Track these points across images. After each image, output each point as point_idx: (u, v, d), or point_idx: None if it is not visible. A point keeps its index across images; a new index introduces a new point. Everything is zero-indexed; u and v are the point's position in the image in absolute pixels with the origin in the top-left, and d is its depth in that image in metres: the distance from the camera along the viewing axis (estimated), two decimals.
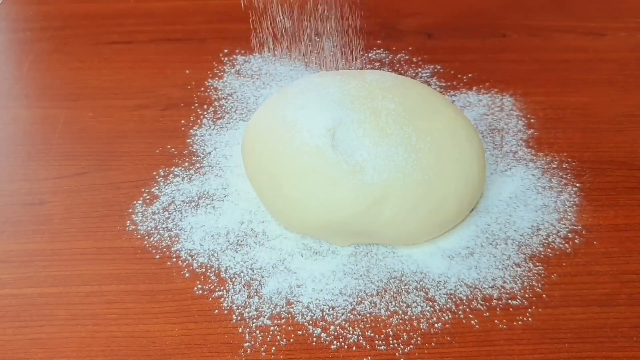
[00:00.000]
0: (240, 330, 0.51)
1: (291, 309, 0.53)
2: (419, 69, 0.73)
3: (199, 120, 0.67)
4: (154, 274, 0.55)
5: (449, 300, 0.53)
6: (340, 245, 0.57)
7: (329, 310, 0.53)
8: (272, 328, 0.52)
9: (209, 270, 0.55)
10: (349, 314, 0.52)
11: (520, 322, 0.52)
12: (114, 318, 0.52)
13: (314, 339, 0.51)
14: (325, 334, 0.51)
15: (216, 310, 0.53)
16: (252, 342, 0.51)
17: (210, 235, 0.58)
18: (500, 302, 0.53)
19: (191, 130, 0.66)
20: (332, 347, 0.51)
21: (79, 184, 0.62)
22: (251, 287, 0.54)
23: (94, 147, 0.65)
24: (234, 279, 0.55)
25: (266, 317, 0.52)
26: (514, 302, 0.53)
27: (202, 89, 0.71)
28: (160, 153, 0.64)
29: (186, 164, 0.63)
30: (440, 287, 0.54)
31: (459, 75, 0.72)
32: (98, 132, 0.67)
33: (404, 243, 0.56)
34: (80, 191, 0.61)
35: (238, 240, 0.57)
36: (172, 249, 0.57)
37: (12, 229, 0.59)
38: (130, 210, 0.60)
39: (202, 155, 0.64)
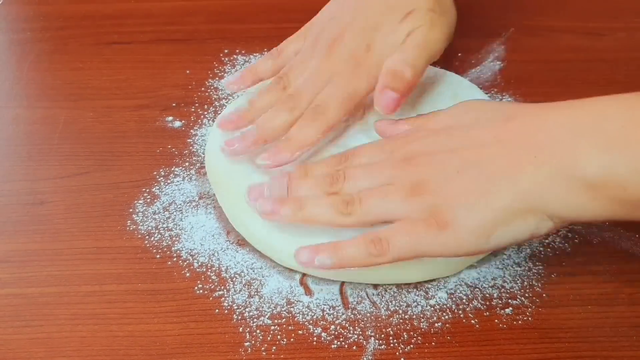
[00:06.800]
0: (240, 329, 0.51)
1: (292, 309, 0.53)
2: None
3: (199, 120, 0.67)
4: (155, 274, 0.55)
5: (449, 299, 0.53)
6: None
7: (329, 310, 0.53)
8: (272, 327, 0.52)
9: (209, 270, 0.55)
10: (349, 314, 0.52)
11: (520, 322, 0.52)
12: (114, 318, 0.52)
13: (315, 338, 0.51)
14: (325, 334, 0.51)
15: (217, 310, 0.53)
16: (253, 342, 0.51)
17: (211, 235, 0.58)
18: (500, 301, 0.53)
19: (191, 130, 0.66)
20: (333, 346, 0.51)
21: (79, 183, 0.62)
22: (252, 287, 0.54)
23: (94, 147, 0.65)
24: (234, 278, 0.55)
25: (267, 316, 0.52)
26: (514, 301, 0.53)
27: (202, 89, 0.71)
28: (160, 153, 0.64)
29: (186, 163, 0.63)
30: (440, 287, 0.54)
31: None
32: (98, 132, 0.67)
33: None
34: (80, 191, 0.61)
35: (238, 240, 0.57)
36: (173, 248, 0.57)
37: (12, 229, 0.59)
38: (131, 210, 0.60)
39: (202, 155, 0.64)
